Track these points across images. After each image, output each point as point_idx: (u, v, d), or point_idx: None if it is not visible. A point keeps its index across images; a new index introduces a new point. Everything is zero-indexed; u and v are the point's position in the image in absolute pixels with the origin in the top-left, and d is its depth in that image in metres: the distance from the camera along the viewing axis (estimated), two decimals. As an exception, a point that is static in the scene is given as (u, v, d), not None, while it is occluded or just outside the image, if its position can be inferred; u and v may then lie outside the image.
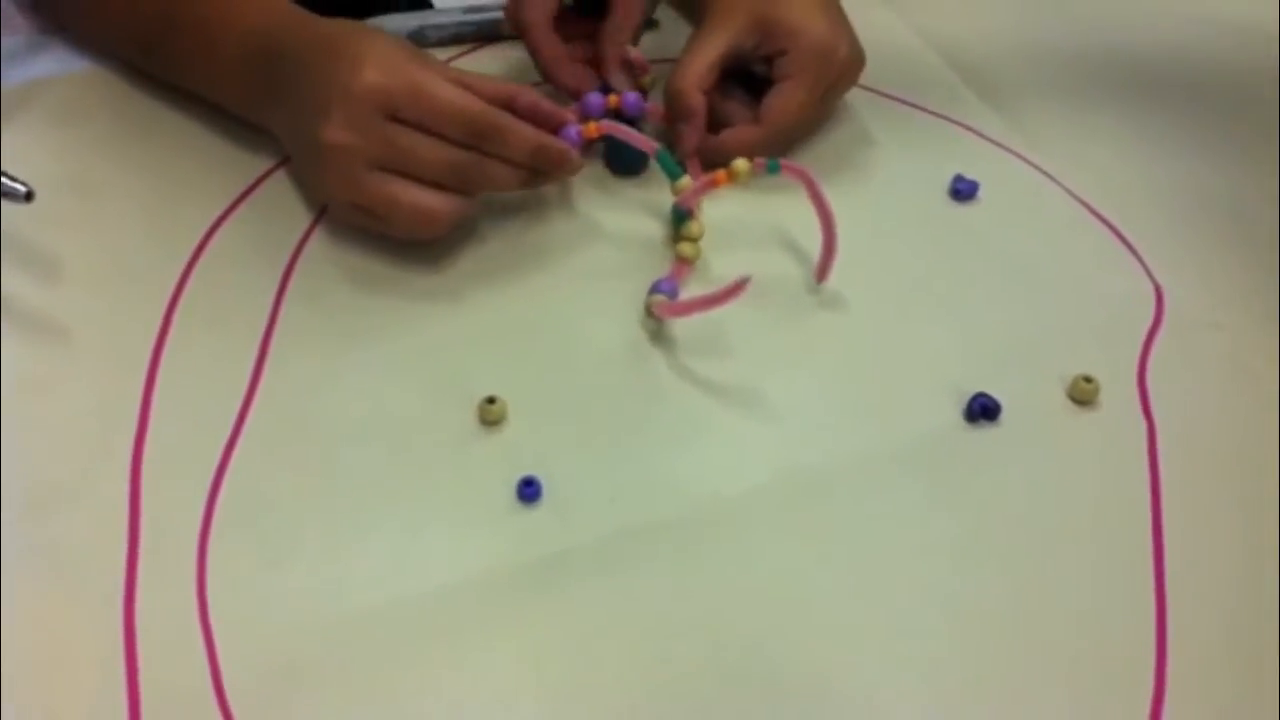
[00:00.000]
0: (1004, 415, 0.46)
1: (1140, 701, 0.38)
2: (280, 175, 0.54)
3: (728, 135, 0.54)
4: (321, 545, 0.41)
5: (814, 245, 0.51)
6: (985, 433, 0.46)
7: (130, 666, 0.37)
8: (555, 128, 0.50)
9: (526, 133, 0.48)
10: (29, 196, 0.44)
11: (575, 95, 0.55)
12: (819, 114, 0.57)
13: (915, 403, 0.47)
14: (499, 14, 0.62)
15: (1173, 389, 0.48)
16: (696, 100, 0.53)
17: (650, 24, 0.63)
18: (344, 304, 0.49)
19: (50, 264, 0.49)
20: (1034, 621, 0.40)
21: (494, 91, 0.48)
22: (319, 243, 0.51)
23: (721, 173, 0.50)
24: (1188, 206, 0.57)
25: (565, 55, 0.56)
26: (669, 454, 0.45)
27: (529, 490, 0.42)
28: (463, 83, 0.48)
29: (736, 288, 0.45)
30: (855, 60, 0.55)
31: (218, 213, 0.52)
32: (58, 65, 0.58)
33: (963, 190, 0.56)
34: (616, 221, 0.54)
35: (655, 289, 0.49)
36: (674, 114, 0.54)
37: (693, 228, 0.51)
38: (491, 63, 0.62)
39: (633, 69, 0.56)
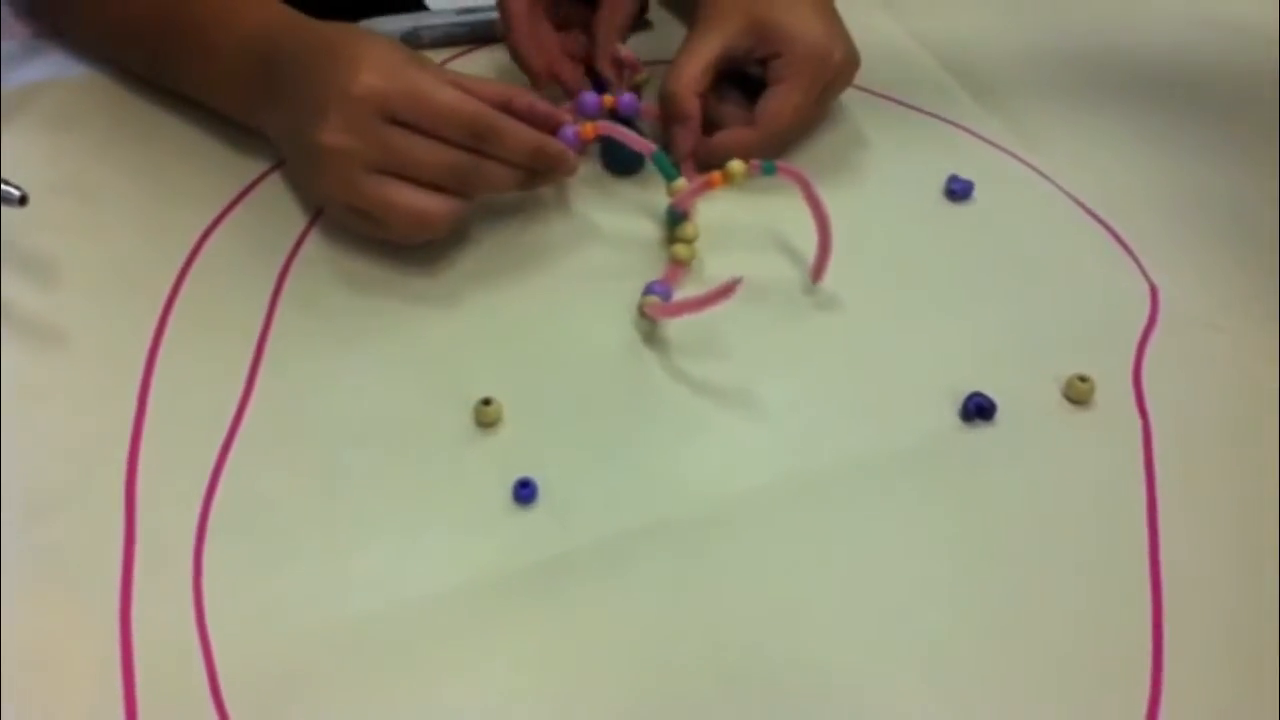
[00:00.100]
0: (999, 415, 0.46)
1: (1137, 700, 0.39)
2: (275, 179, 0.54)
3: (722, 138, 0.54)
4: (317, 548, 0.41)
5: (809, 246, 0.51)
6: (981, 432, 0.46)
7: (127, 670, 0.37)
8: (552, 129, 0.50)
9: (524, 133, 0.48)
10: (23, 200, 0.44)
11: (544, 76, 0.55)
12: (814, 116, 0.57)
13: (911, 402, 0.47)
14: (493, 15, 0.62)
15: (1168, 388, 0.48)
16: (691, 104, 0.53)
17: (643, 25, 0.63)
18: (339, 306, 0.49)
19: (46, 267, 0.49)
20: (1031, 620, 0.40)
21: (491, 93, 0.48)
22: (314, 246, 0.51)
23: (717, 174, 0.50)
24: (1184, 206, 0.57)
25: (533, 34, 0.56)
26: (665, 455, 0.45)
27: (525, 492, 0.42)
28: (459, 85, 0.48)
29: (727, 289, 0.45)
30: (850, 63, 0.55)
31: (213, 216, 0.52)
32: (54, 70, 0.58)
33: (957, 190, 0.56)
34: (612, 223, 0.54)
35: (648, 290, 0.49)
36: (669, 117, 0.54)
37: (688, 229, 0.51)
38: (485, 64, 0.62)
39: (623, 67, 0.56)
